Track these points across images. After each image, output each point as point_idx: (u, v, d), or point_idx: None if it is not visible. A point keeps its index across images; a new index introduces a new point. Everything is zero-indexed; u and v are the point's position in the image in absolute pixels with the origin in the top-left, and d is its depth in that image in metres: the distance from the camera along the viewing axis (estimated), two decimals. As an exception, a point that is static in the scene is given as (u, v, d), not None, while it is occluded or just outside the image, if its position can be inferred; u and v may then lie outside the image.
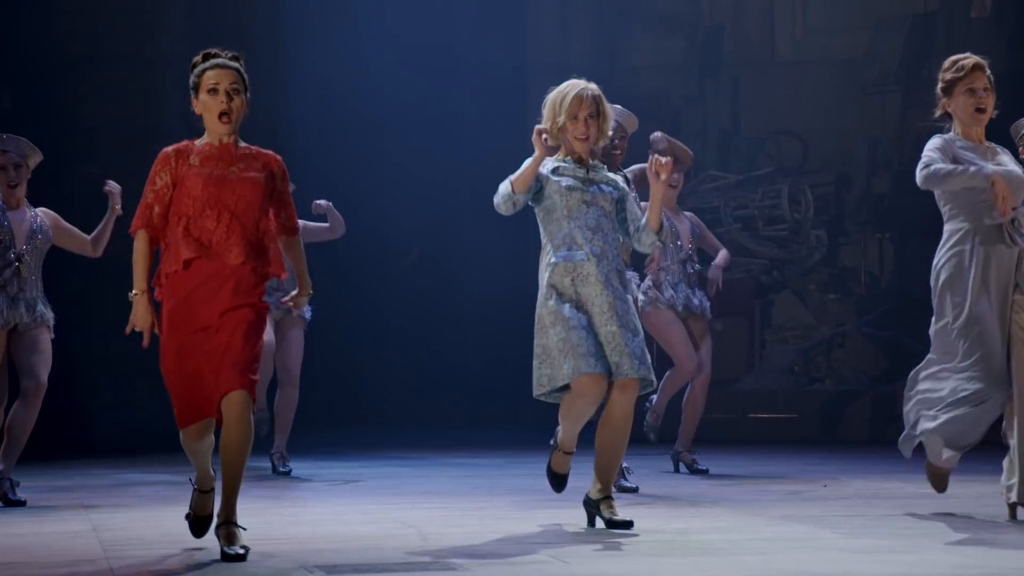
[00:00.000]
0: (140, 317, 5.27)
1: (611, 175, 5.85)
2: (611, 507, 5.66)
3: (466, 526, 5.84)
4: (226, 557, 4.91)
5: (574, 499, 6.63)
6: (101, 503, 6.86)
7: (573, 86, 5.78)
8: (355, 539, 5.40)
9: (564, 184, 5.71)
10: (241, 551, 4.91)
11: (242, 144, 5.19)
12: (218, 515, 5.05)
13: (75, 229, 7.15)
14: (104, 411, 10.30)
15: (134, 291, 5.27)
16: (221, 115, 5.08)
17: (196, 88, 5.14)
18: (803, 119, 12.03)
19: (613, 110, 6.46)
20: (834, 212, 12.06)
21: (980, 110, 6.09)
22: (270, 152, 5.24)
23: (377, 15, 12.79)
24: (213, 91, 5.09)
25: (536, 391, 5.73)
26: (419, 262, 13.41)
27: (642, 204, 7.23)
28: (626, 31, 11.85)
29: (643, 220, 5.78)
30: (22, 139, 7.04)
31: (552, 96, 5.80)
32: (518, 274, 12.88)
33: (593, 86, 5.79)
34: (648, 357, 5.69)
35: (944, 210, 6.14)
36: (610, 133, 5.85)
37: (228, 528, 4.99)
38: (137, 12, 10.45)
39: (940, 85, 6.17)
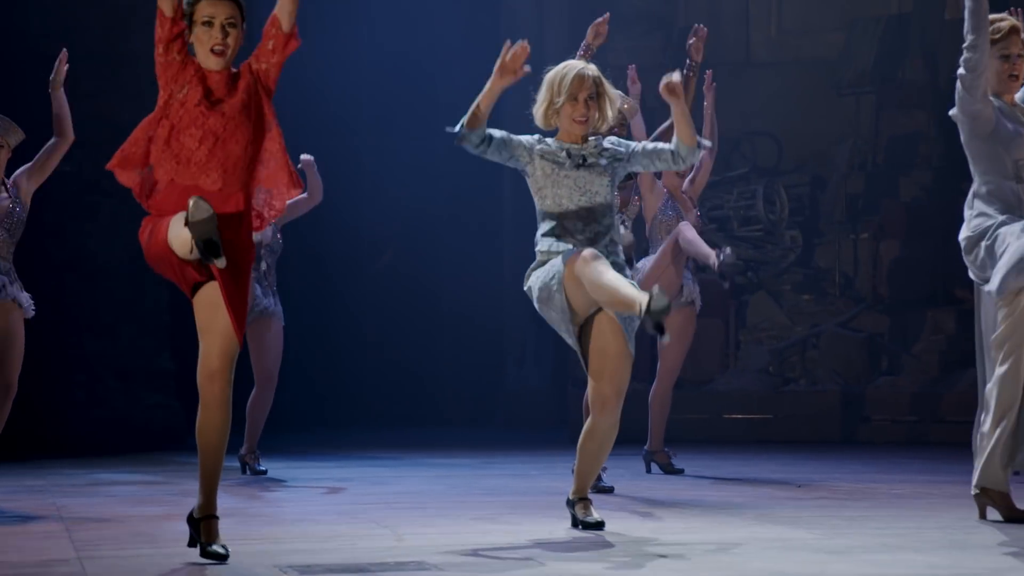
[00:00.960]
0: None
1: (603, 144, 5.58)
2: (586, 508, 5.60)
3: (441, 526, 5.83)
4: (206, 554, 4.76)
5: (548, 500, 6.63)
6: (74, 503, 6.83)
7: (572, 66, 5.56)
8: (329, 539, 5.39)
9: (550, 169, 5.52)
10: (222, 551, 4.74)
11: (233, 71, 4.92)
12: (200, 508, 4.83)
13: (39, 157, 6.93)
14: (77, 410, 10.26)
15: None
16: (213, 48, 4.82)
17: (189, 18, 4.86)
18: (778, 120, 12.06)
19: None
20: (809, 213, 12.10)
21: (1013, 76, 5.72)
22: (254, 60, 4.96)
23: (353, 19, 12.78)
24: (208, 24, 4.83)
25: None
26: (394, 262, 13.40)
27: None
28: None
29: (674, 140, 5.52)
30: (1, 116, 6.90)
31: (550, 75, 5.58)
32: (493, 275, 12.89)
33: (592, 67, 5.58)
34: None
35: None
36: (609, 119, 5.57)
37: (211, 522, 4.80)
38: (112, 9, 10.41)
39: None
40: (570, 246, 5.47)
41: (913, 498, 6.64)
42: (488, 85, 5.44)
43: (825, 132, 12.01)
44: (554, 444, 10.34)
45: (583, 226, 5.49)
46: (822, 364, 11.45)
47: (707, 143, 5.74)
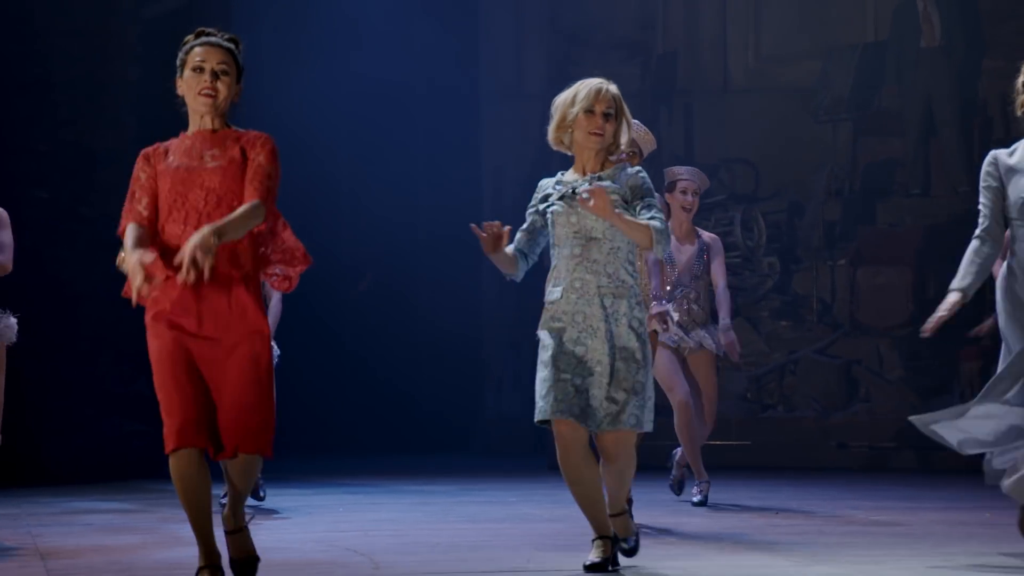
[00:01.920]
0: (131, 266, 4.43)
1: (613, 183, 5.12)
2: (623, 525, 5.23)
3: (418, 553, 5.81)
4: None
5: (526, 528, 6.61)
6: (49, 531, 6.79)
7: (590, 82, 5.16)
8: (306, 567, 5.36)
9: (552, 208, 5.13)
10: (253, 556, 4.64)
11: (228, 129, 4.66)
12: (225, 520, 4.70)
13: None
14: (53, 437, 10.20)
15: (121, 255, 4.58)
16: (202, 91, 4.57)
17: (182, 67, 4.64)
18: (755, 147, 12.09)
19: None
20: (786, 239, 12.12)
21: None
22: (260, 133, 4.69)
23: (332, 45, 12.79)
24: (199, 69, 4.59)
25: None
26: (372, 288, 13.38)
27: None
28: (579, 58, 11.90)
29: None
30: None
31: (564, 94, 5.17)
32: (472, 301, 12.89)
33: (613, 85, 5.17)
34: (636, 401, 5.02)
35: None
36: (622, 145, 5.17)
37: (243, 536, 4.71)
38: (92, 36, 10.39)
39: (1021, 79, 5.54)
40: (558, 292, 5.09)
41: (890, 525, 6.65)
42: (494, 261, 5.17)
43: (802, 159, 12.05)
44: (532, 471, 10.32)
45: (575, 265, 5.08)
46: (799, 390, 11.47)
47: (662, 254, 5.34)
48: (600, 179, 5.11)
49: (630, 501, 5.79)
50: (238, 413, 4.52)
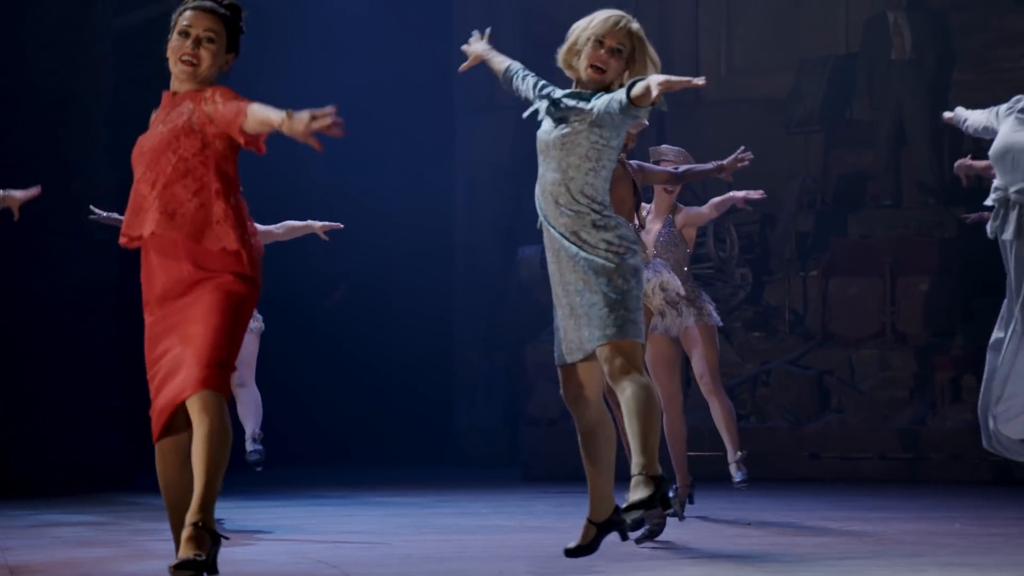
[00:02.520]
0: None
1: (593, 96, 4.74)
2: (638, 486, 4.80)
3: (390, 566, 5.80)
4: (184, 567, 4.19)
5: (500, 539, 6.60)
6: (19, 544, 6.75)
7: (609, 11, 4.80)
8: (277, 580, 5.34)
9: (540, 131, 4.84)
10: (199, 557, 4.17)
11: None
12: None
13: None
14: (24, 449, 10.15)
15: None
16: (182, 57, 4.43)
17: (172, 28, 4.52)
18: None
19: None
20: (759, 251, 12.16)
21: None
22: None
23: (306, 56, 12.78)
24: (184, 34, 4.46)
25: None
26: (346, 299, 13.36)
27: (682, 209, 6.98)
28: (551, 71, 11.93)
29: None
30: None
31: (584, 18, 4.85)
32: (444, 312, 12.88)
33: (635, 23, 4.77)
34: (610, 316, 4.76)
35: None
36: (643, 120, 4.80)
37: (195, 531, 4.24)
38: (63, 47, 10.36)
39: None
40: (539, 216, 4.87)
41: (862, 535, 6.66)
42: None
43: (775, 171, 12.09)
44: (506, 482, 10.31)
45: (547, 191, 4.83)
46: (772, 401, 11.49)
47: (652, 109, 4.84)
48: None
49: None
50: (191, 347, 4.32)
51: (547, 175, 4.87)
